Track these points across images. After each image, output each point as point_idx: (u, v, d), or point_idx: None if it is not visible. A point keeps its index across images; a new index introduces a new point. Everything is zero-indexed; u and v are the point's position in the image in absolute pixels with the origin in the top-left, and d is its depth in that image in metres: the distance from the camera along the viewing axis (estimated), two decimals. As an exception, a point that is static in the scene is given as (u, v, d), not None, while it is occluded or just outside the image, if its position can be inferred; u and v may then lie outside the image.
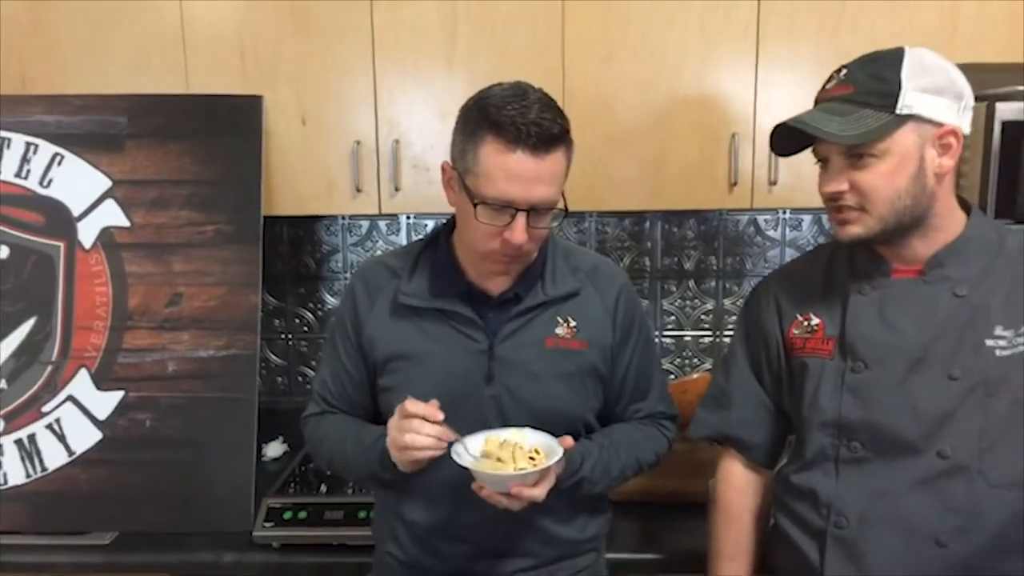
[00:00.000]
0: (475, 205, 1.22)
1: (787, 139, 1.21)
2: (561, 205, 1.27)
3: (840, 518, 1.21)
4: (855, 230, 1.18)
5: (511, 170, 1.19)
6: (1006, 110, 1.76)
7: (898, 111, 1.13)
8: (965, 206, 1.24)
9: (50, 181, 1.87)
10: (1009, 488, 1.14)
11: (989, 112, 1.76)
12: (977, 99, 1.83)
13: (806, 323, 1.27)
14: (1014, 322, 1.15)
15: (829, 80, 1.21)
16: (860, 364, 1.20)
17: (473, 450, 1.24)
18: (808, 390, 1.26)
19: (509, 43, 1.83)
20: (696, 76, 1.83)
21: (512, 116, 1.18)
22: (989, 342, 1.14)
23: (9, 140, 1.87)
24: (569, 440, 1.24)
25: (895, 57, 1.15)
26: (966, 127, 1.18)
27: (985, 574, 1.15)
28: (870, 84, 1.15)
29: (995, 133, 1.75)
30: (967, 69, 1.82)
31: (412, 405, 1.20)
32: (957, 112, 1.16)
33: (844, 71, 1.19)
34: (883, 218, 1.16)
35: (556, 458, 1.20)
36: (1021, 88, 1.78)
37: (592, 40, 1.83)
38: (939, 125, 1.15)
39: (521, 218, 1.21)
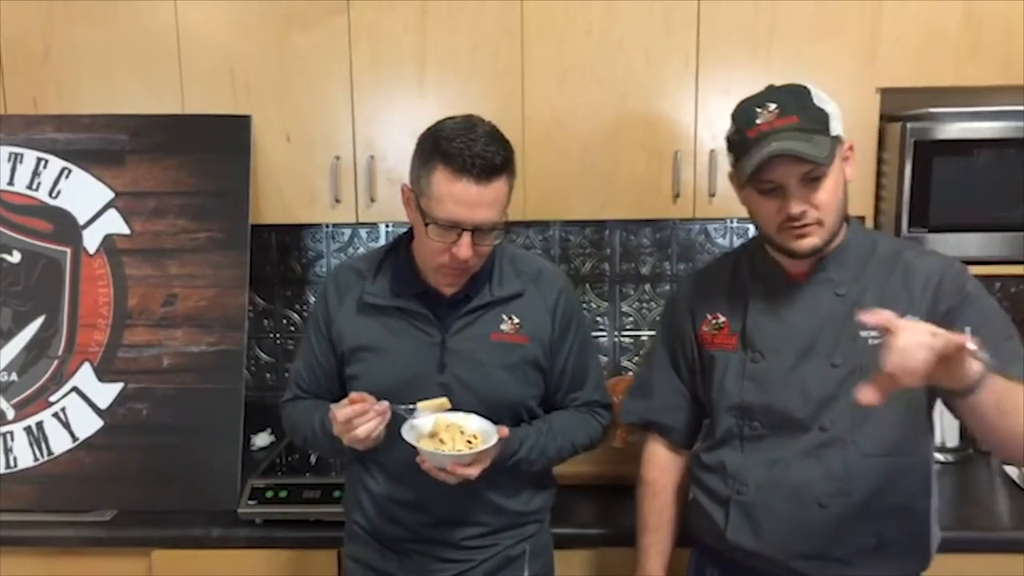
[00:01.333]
0: (427, 225, 1.40)
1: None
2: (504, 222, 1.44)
3: (742, 486, 1.40)
4: (814, 241, 1.34)
5: (458, 196, 1.37)
6: (917, 129, 1.95)
7: (832, 134, 1.31)
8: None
9: (58, 193, 2.06)
10: (878, 456, 1.34)
11: (903, 132, 1.96)
12: (892, 119, 2.05)
13: (714, 321, 1.47)
14: None
15: (755, 115, 1.33)
16: (758, 355, 1.40)
17: (424, 429, 1.42)
18: (716, 379, 1.45)
19: (473, 70, 2.02)
20: (642, 99, 2.02)
21: (460, 148, 1.36)
22: (863, 333, 1.33)
23: (22, 155, 2.07)
24: (505, 430, 1.42)
25: (804, 90, 1.34)
26: None
27: (859, 533, 1.34)
28: (808, 114, 1.31)
29: (908, 151, 1.95)
30: (885, 92, 2.03)
31: (341, 412, 1.38)
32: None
33: (773, 105, 1.32)
34: (832, 228, 1.35)
35: (490, 444, 1.38)
36: (931, 110, 1.98)
37: (548, 67, 2.02)
38: (843, 142, 1.34)
39: (466, 236, 1.40)
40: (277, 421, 2.29)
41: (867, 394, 1.09)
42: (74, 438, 2.00)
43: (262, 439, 2.31)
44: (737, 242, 2.42)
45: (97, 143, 2.07)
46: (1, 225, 2.05)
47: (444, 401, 1.45)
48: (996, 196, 1.96)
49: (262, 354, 2.54)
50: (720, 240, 2.42)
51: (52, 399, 2.01)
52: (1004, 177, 1.95)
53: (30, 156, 2.07)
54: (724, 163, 2.01)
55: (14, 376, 2.02)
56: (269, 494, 1.91)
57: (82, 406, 2.01)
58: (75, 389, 2.01)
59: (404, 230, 1.58)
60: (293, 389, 1.66)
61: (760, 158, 1.29)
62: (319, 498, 1.90)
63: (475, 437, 1.39)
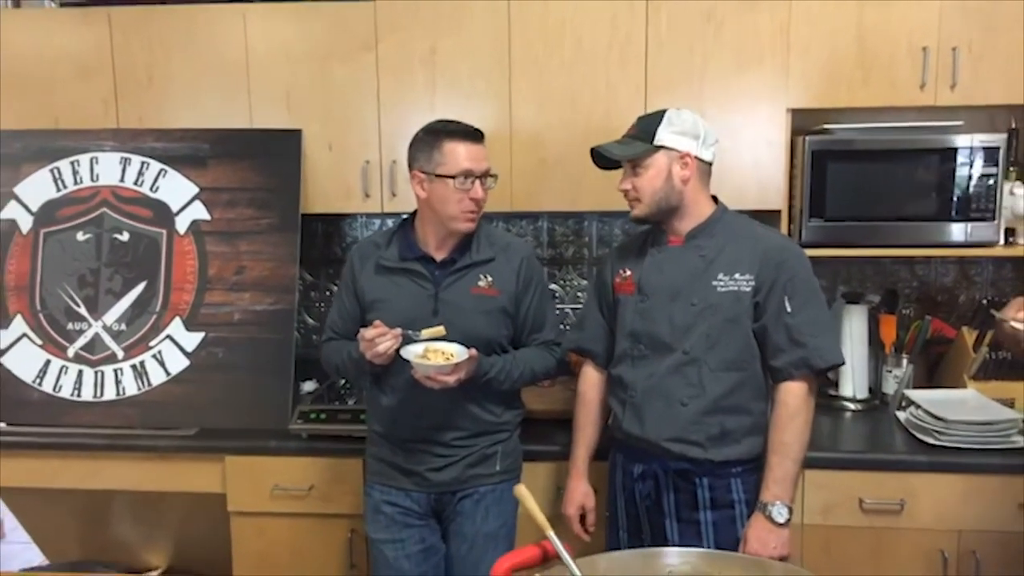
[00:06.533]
0: (454, 179, 1.99)
1: (603, 159, 1.98)
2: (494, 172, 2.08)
3: (632, 391, 1.97)
4: (636, 212, 1.96)
5: (466, 154, 2.01)
6: (813, 141, 2.49)
7: (655, 143, 1.89)
8: (716, 200, 1.99)
9: (157, 188, 2.70)
10: (722, 371, 1.90)
11: (803, 143, 2.50)
12: (797, 134, 2.59)
13: (624, 274, 2.04)
14: (729, 271, 1.90)
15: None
16: (645, 297, 1.97)
17: (417, 351, 2.00)
18: (620, 314, 2.02)
19: (472, 93, 2.61)
20: (603, 118, 2.57)
21: (455, 127, 2.03)
22: (714, 283, 1.90)
23: (130, 159, 2.71)
24: (474, 351, 1.98)
25: (660, 113, 1.93)
26: (705, 155, 1.93)
27: (709, 425, 1.90)
28: (641, 128, 1.93)
29: (807, 158, 2.48)
30: (796, 112, 2.57)
31: (366, 332, 1.95)
32: (697, 145, 1.91)
33: (635, 122, 1.96)
34: (649, 205, 1.93)
35: (461, 359, 1.94)
36: (827, 126, 2.51)
37: (530, 92, 2.59)
38: (680, 152, 1.90)
39: (478, 182, 2.01)
40: (321, 371, 2.91)
41: None
42: (167, 373, 2.62)
43: (308, 386, 2.89)
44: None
45: (186, 150, 2.70)
46: (115, 212, 2.70)
47: (440, 329, 1.99)
48: (877, 193, 2.48)
49: (309, 319, 3.16)
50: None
51: (151, 344, 2.64)
52: (884, 178, 2.48)
53: (136, 160, 2.71)
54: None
55: (124, 326, 2.66)
56: (312, 416, 2.51)
57: (174, 349, 2.63)
58: (169, 337, 2.64)
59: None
60: (328, 332, 2.25)
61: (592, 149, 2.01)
62: (348, 419, 2.49)
63: (452, 355, 1.96)
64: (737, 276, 1.90)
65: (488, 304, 2.10)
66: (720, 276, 1.91)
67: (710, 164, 1.99)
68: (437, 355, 1.96)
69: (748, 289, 1.90)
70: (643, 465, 1.99)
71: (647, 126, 1.94)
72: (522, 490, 1.44)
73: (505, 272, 2.13)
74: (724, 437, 1.91)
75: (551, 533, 1.31)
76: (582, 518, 2.14)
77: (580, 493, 2.13)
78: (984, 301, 2.72)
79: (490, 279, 2.11)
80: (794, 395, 1.89)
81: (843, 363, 1.95)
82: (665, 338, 1.93)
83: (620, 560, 1.30)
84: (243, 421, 2.56)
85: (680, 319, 1.92)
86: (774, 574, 1.24)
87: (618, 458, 2.08)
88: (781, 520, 1.85)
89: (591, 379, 2.16)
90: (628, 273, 2.04)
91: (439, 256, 2.11)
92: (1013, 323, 1.66)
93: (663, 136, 1.91)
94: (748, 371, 1.93)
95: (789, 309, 1.87)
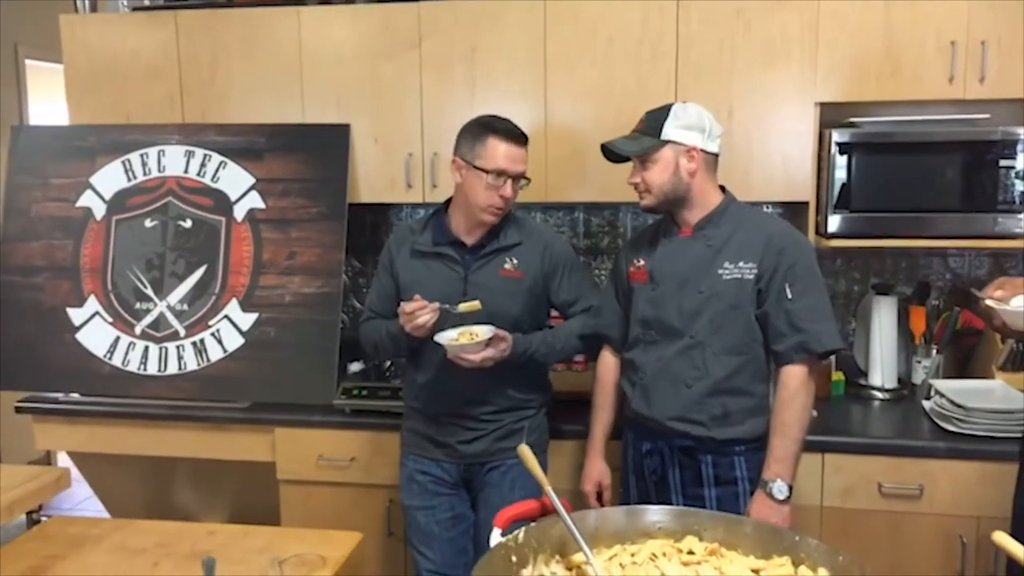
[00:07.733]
0: (488, 174, 2.12)
1: (614, 154, 2.08)
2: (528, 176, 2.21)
3: (643, 374, 2.08)
4: (645, 202, 2.06)
5: (505, 154, 2.13)
6: (838, 134, 2.55)
7: (662, 138, 1.99)
8: (724, 190, 2.08)
9: (218, 178, 2.91)
10: (724, 354, 2.00)
11: (828, 137, 2.56)
12: (826, 127, 2.65)
13: (637, 264, 2.14)
14: (734, 260, 1.99)
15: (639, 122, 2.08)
16: (656, 285, 2.07)
17: (452, 335, 2.13)
18: (634, 302, 2.13)
19: (509, 89, 2.74)
20: (633, 113, 2.62)
21: (502, 126, 2.15)
22: (720, 271, 1.99)
23: (194, 152, 2.93)
24: (504, 332, 2.11)
25: (666, 108, 2.02)
26: (711, 147, 2.02)
27: (712, 405, 2.00)
28: (649, 123, 2.02)
29: (833, 151, 2.55)
30: (825, 106, 2.63)
31: (407, 305, 2.09)
32: (702, 139, 2.00)
33: (643, 117, 2.05)
34: (657, 196, 2.03)
35: (482, 339, 2.05)
36: (851, 120, 2.57)
37: (564, 88, 2.71)
38: (686, 146, 1.99)
39: (510, 182, 2.14)
40: (366, 354, 3.08)
41: None
42: (224, 350, 2.83)
43: (355, 366, 3.07)
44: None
45: (244, 143, 2.90)
46: (179, 201, 2.92)
47: (476, 303, 2.11)
48: (904, 186, 2.53)
49: (357, 303, 3.33)
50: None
51: (211, 323, 2.85)
52: (911, 171, 2.52)
53: (199, 152, 2.93)
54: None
55: (185, 306, 2.87)
56: (355, 392, 2.69)
57: (230, 328, 2.83)
58: (226, 316, 2.84)
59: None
60: (367, 312, 2.41)
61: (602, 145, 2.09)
62: (388, 396, 2.66)
63: (476, 334, 2.09)
64: (741, 264, 1.99)
65: (514, 286, 2.23)
66: (726, 264, 2.00)
67: (716, 156, 2.07)
68: (467, 335, 2.10)
69: (751, 277, 1.99)
70: (650, 443, 2.10)
71: (654, 121, 2.04)
72: (524, 449, 1.57)
73: (531, 256, 2.25)
74: (726, 417, 2.00)
75: (548, 488, 1.43)
76: (599, 495, 2.25)
77: (597, 471, 2.25)
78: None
79: (516, 262, 2.24)
80: (794, 378, 1.97)
81: (841, 348, 2.02)
82: (674, 324, 2.03)
83: (607, 515, 1.42)
84: (292, 396, 2.75)
85: (688, 306, 2.02)
86: (746, 530, 1.34)
87: (629, 436, 2.19)
88: (781, 497, 1.94)
89: (608, 363, 2.27)
90: (641, 263, 2.14)
91: (469, 241, 2.25)
92: (988, 301, 1.72)
93: (669, 131, 2.01)
94: (749, 355, 2.01)
95: (790, 296, 1.95)
